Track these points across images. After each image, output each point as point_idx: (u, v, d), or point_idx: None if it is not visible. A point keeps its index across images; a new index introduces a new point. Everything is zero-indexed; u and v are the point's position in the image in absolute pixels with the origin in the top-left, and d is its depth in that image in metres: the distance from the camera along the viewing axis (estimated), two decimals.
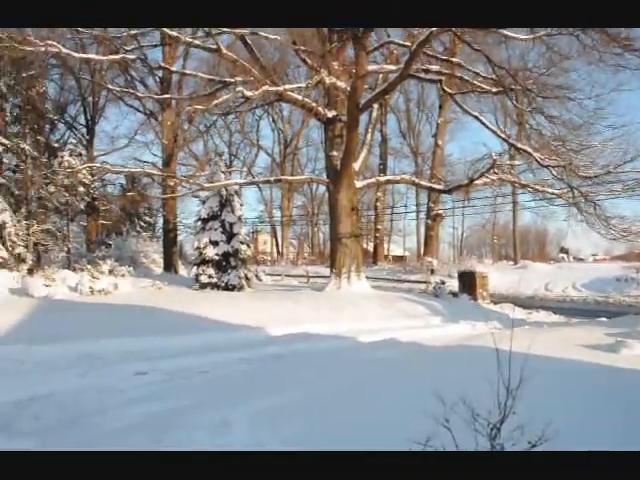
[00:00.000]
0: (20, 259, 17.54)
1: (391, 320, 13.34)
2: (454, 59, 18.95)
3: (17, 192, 20.38)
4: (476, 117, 19.30)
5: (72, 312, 11.23)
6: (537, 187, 18.40)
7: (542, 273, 29.09)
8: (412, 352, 7.73)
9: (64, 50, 17.34)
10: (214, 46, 17.70)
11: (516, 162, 20.32)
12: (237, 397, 5.47)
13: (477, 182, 17.77)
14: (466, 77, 18.50)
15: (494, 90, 17.88)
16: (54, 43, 16.62)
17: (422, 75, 19.11)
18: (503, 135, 19.89)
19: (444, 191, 20.33)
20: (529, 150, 17.41)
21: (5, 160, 19.72)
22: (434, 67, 18.83)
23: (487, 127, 19.30)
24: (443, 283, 18.86)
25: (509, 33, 15.50)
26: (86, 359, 7.84)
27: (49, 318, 10.27)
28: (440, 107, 34.96)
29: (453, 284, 20.36)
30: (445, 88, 19.54)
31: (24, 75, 20.55)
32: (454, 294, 18.70)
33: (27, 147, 20.49)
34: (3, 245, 16.78)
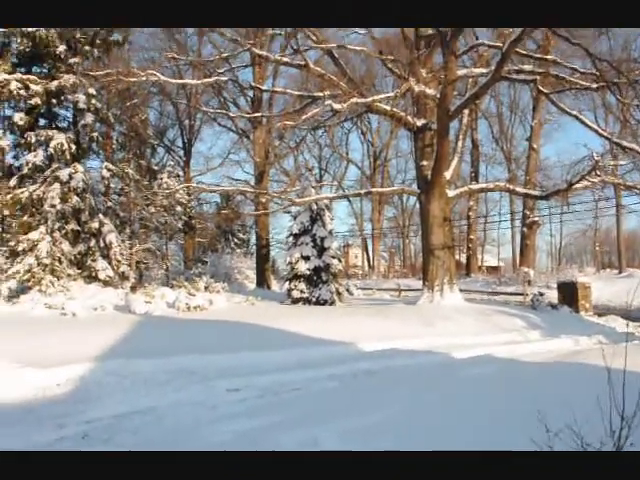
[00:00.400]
0: (124, 277, 18.54)
1: (486, 334, 12.78)
2: (549, 57, 18.04)
3: (122, 214, 21.65)
4: (575, 116, 18.23)
5: (169, 328, 11.67)
6: None
7: None
8: (509, 369, 7.29)
9: (162, 78, 18.45)
10: (302, 62, 17.99)
11: (621, 162, 18.91)
12: (328, 415, 5.38)
13: (577, 186, 16.70)
14: (562, 75, 17.57)
15: (594, 86, 16.80)
16: (154, 72, 17.74)
17: (514, 76, 18.40)
18: (605, 134, 18.63)
19: (541, 197, 19.38)
20: (637, 148, 16.19)
21: (112, 185, 21.04)
22: (527, 67, 18.07)
23: (587, 126, 18.19)
24: (541, 294, 17.88)
25: None
26: (182, 374, 8.05)
27: (148, 334, 10.70)
28: (534, 109, 33.61)
29: (552, 295, 19.23)
30: (540, 88, 18.63)
31: (128, 104, 21.96)
32: (553, 306, 17.65)
33: (131, 171, 21.73)
34: (109, 264, 17.80)
